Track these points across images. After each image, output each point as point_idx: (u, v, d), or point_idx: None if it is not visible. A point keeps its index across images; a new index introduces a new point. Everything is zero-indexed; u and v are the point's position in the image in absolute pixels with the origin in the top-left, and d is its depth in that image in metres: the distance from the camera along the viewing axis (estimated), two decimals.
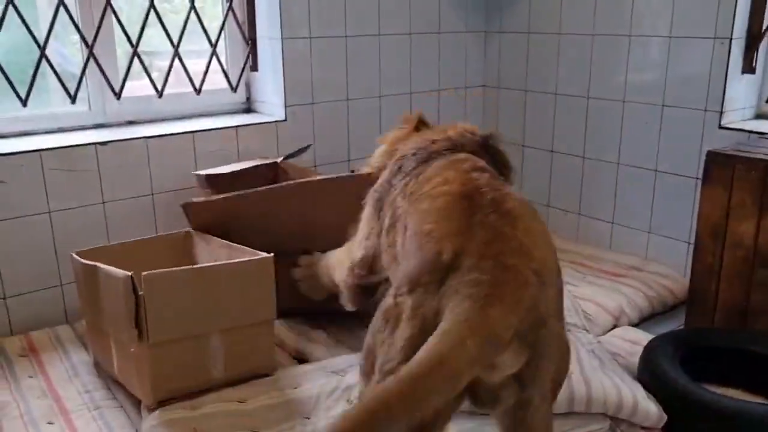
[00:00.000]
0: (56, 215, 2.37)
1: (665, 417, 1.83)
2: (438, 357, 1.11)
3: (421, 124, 1.89)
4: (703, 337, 2.14)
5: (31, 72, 2.40)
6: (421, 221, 1.40)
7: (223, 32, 2.84)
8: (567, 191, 3.16)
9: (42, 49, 2.40)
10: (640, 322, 2.49)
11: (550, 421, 1.40)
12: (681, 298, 2.59)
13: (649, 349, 2.02)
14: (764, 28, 2.53)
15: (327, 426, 1.51)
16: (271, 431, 1.74)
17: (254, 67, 2.93)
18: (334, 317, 2.24)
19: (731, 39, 2.51)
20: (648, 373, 1.92)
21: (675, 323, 2.47)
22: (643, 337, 2.23)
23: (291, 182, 2.27)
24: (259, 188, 2.20)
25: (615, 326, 2.40)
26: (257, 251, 1.95)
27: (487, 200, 1.36)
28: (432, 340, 1.14)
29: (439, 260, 1.27)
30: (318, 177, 2.38)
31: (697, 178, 2.59)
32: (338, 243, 2.00)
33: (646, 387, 1.91)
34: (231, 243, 2.06)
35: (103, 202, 2.45)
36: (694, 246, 2.33)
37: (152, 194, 2.54)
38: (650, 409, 1.83)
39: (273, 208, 2.18)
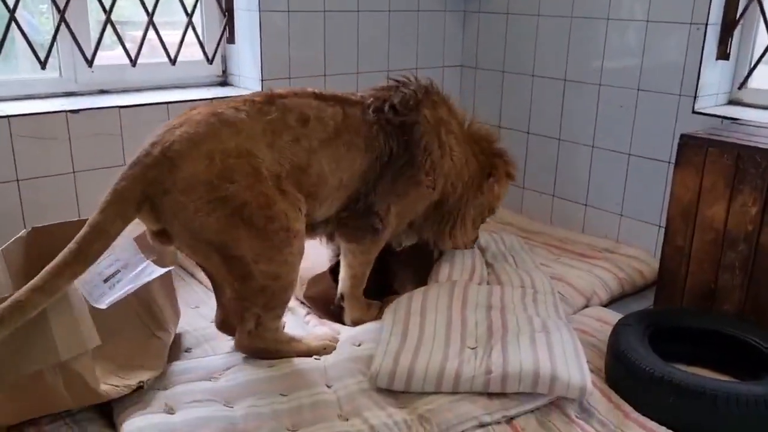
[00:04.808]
0: (24, 183, 2.31)
1: (588, 388, 1.82)
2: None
3: None
4: (672, 317, 2.18)
5: None
6: None
7: (199, 3, 2.78)
8: (542, 173, 3.18)
9: (12, 12, 2.33)
10: (610, 303, 2.53)
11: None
12: (651, 280, 2.63)
13: (618, 328, 2.05)
14: (738, 14, 2.56)
15: None
16: None
17: (231, 40, 2.88)
18: None
19: (707, 25, 2.53)
20: (617, 352, 1.94)
21: (644, 304, 2.51)
22: (613, 317, 2.26)
23: None
24: None
25: (587, 306, 2.44)
26: None
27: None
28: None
29: None
30: None
31: (669, 162, 2.62)
32: None
33: (616, 365, 1.95)
34: None
35: (74, 172, 2.40)
36: (665, 228, 2.36)
37: (125, 165, 2.48)
38: (572, 381, 1.80)
39: None
